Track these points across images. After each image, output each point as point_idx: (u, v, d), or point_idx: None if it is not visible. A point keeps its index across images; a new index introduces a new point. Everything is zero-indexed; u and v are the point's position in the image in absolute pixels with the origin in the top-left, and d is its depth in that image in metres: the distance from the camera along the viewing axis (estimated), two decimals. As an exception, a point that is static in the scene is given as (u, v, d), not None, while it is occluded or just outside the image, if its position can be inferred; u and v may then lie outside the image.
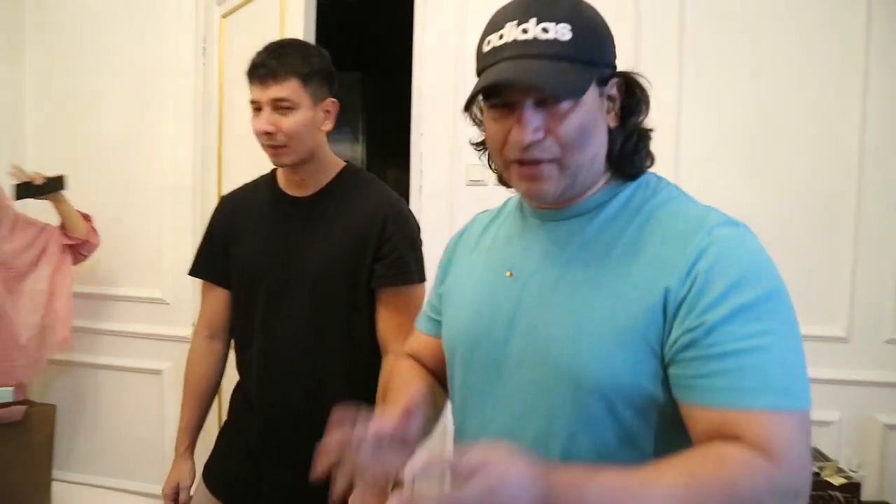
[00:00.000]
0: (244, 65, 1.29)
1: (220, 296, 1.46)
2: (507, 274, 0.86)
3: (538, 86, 0.72)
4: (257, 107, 1.30)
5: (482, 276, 0.90)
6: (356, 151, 4.68)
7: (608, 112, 0.80)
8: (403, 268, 1.35)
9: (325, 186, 1.40)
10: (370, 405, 1.31)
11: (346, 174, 1.43)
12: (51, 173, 2.25)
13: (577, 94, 0.74)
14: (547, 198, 0.81)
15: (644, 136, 0.84)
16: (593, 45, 0.77)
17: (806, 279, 2.08)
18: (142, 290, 2.60)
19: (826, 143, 2.06)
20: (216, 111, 2.26)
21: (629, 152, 0.82)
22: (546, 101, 0.75)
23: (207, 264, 1.48)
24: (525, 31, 0.74)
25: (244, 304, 1.42)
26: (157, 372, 2.59)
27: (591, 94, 0.76)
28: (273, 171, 1.47)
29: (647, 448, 0.76)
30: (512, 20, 0.75)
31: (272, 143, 1.30)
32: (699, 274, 0.71)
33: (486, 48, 0.78)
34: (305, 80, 1.31)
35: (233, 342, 1.49)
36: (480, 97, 0.79)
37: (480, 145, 0.92)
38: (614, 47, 0.81)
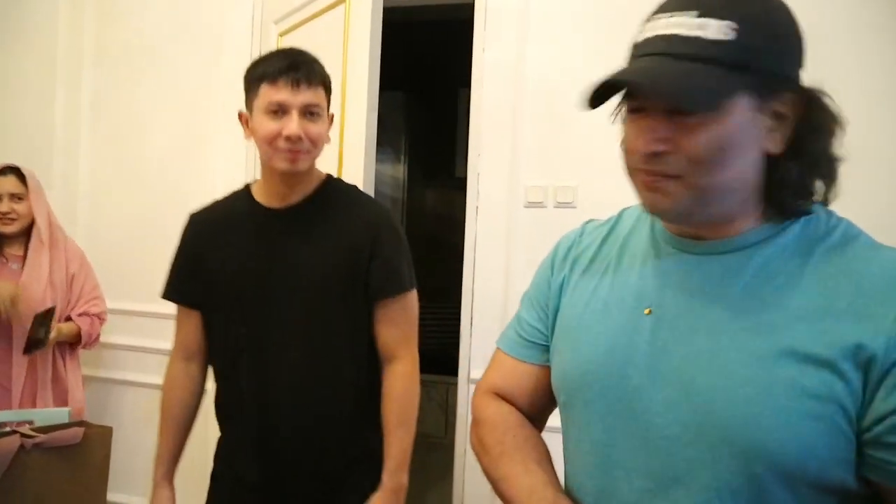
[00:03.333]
0: None
1: (196, 318, 1.42)
2: (647, 311, 0.73)
3: (639, 89, 0.65)
4: (279, 109, 1.26)
5: (611, 307, 0.77)
6: (397, 171, 4.66)
7: (771, 131, 0.67)
8: (398, 278, 1.34)
9: (308, 197, 1.36)
10: (371, 423, 1.32)
11: (331, 185, 1.41)
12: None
13: (704, 104, 0.63)
14: (668, 216, 0.71)
15: (823, 165, 0.70)
16: (756, 47, 0.64)
17: None
18: (190, 309, 2.58)
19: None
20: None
21: (795, 185, 0.68)
22: (678, 111, 0.65)
23: (182, 287, 1.43)
24: (678, 24, 0.64)
25: (224, 324, 1.36)
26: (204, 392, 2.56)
27: (742, 105, 0.64)
28: (246, 186, 1.43)
29: None
30: (667, 12, 0.66)
31: (296, 147, 1.27)
32: None
33: (638, 38, 0.69)
34: (327, 89, 1.33)
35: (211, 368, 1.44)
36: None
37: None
38: (799, 55, 0.68)
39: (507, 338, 0.93)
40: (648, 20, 0.68)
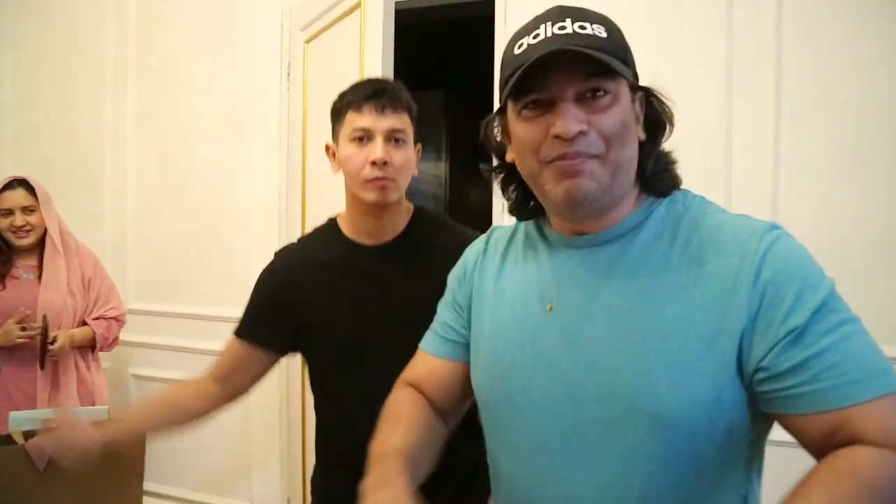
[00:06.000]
0: (324, 89, 1.27)
1: (258, 356, 1.36)
2: (548, 307, 0.81)
3: (595, 56, 0.70)
4: (363, 136, 1.23)
5: (516, 307, 0.85)
6: (439, 169, 4.70)
7: (637, 123, 0.79)
8: None
9: (401, 232, 1.32)
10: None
11: (422, 218, 1.37)
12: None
13: (625, 73, 0.73)
14: (586, 199, 0.75)
15: (669, 155, 0.84)
16: (625, 48, 0.77)
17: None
18: (229, 310, 2.66)
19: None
20: (300, 135, 2.30)
21: (661, 169, 0.82)
22: (585, 97, 0.73)
23: (261, 329, 1.37)
24: (562, 27, 0.74)
25: (335, 370, 1.32)
26: (246, 390, 2.66)
27: (626, 95, 0.76)
28: (332, 222, 1.39)
29: (719, 475, 0.74)
30: (546, 22, 0.75)
31: (384, 174, 1.22)
32: (767, 284, 0.69)
33: (517, 50, 0.76)
34: (412, 117, 1.29)
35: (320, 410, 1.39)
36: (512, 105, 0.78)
37: (499, 168, 0.88)
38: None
39: (427, 338, 1.01)
40: (524, 35, 0.76)
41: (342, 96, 1.29)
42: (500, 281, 0.89)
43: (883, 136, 1.90)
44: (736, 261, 0.72)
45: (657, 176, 0.81)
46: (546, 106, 0.74)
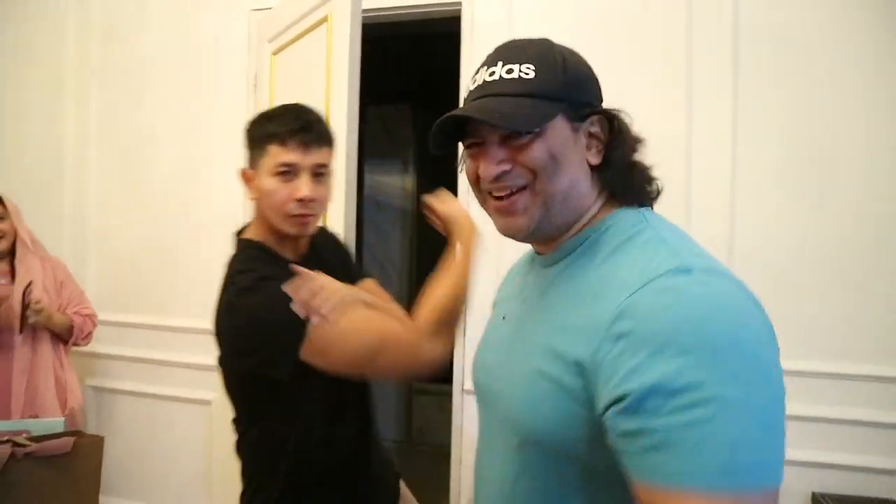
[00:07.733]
0: (293, 101, 1.25)
1: None
2: (503, 317, 0.92)
3: (485, 119, 0.76)
4: (289, 171, 1.20)
5: (494, 317, 0.97)
6: (406, 182, 4.71)
7: (589, 149, 0.81)
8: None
9: (310, 243, 1.34)
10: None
11: (321, 231, 1.41)
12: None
13: (530, 125, 0.76)
14: (522, 232, 0.81)
15: (628, 174, 0.83)
16: (561, 82, 0.78)
17: (878, 312, 1.95)
18: (193, 321, 2.64)
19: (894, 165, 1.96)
20: (266, 146, 2.30)
21: (628, 185, 0.82)
22: (510, 137, 0.78)
23: None
24: (492, 73, 0.80)
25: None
26: (207, 402, 2.62)
27: (560, 127, 0.78)
28: (257, 245, 1.27)
29: (593, 498, 0.73)
30: (484, 66, 0.81)
31: (308, 211, 1.21)
32: (623, 333, 0.64)
33: (464, 95, 0.84)
34: (332, 149, 1.28)
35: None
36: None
37: None
38: (597, 88, 0.83)
39: None
40: (472, 78, 0.83)
41: (261, 124, 1.24)
42: (501, 294, 1.02)
43: (826, 158, 1.99)
44: (610, 300, 0.68)
45: (624, 192, 0.82)
46: (481, 146, 0.81)
